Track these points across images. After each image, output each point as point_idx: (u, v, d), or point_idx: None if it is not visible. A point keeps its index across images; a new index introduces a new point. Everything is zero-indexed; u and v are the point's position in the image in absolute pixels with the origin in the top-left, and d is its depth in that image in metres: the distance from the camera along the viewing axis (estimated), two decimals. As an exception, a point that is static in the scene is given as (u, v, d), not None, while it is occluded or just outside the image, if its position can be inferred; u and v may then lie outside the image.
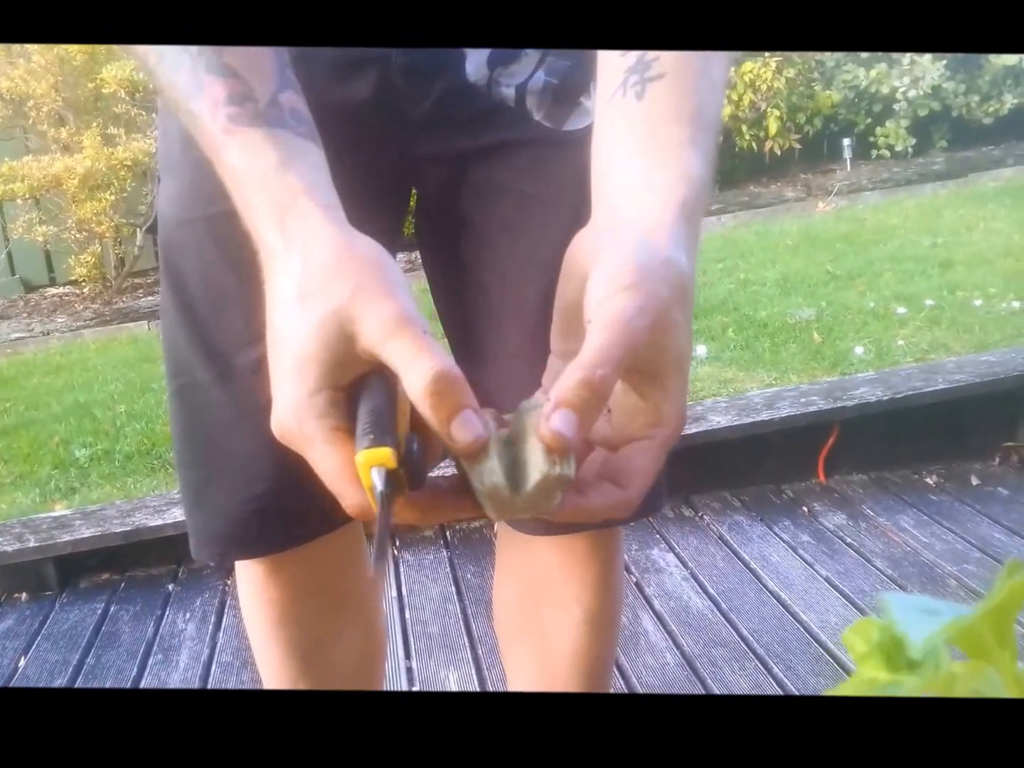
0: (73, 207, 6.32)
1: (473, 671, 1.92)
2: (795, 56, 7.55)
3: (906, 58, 7.58)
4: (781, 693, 1.76)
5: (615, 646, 1.15)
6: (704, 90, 0.63)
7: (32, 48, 6.25)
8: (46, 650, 2.12)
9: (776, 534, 2.40)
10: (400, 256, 0.82)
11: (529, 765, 0.33)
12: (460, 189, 0.88)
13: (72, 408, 3.92)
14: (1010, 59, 7.40)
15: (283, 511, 0.88)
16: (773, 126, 7.55)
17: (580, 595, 1.02)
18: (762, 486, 2.65)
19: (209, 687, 1.92)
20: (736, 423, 2.59)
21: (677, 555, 2.33)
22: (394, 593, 2.24)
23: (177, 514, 2.39)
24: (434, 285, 0.95)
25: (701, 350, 3.60)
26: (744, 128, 7.54)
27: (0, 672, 2.05)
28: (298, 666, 1.02)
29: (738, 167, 7.66)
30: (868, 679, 0.27)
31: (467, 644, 2.01)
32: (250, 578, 0.98)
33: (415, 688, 1.90)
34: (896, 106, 7.62)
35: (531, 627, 1.07)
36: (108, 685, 1.97)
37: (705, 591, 2.15)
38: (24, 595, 2.38)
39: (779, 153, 7.72)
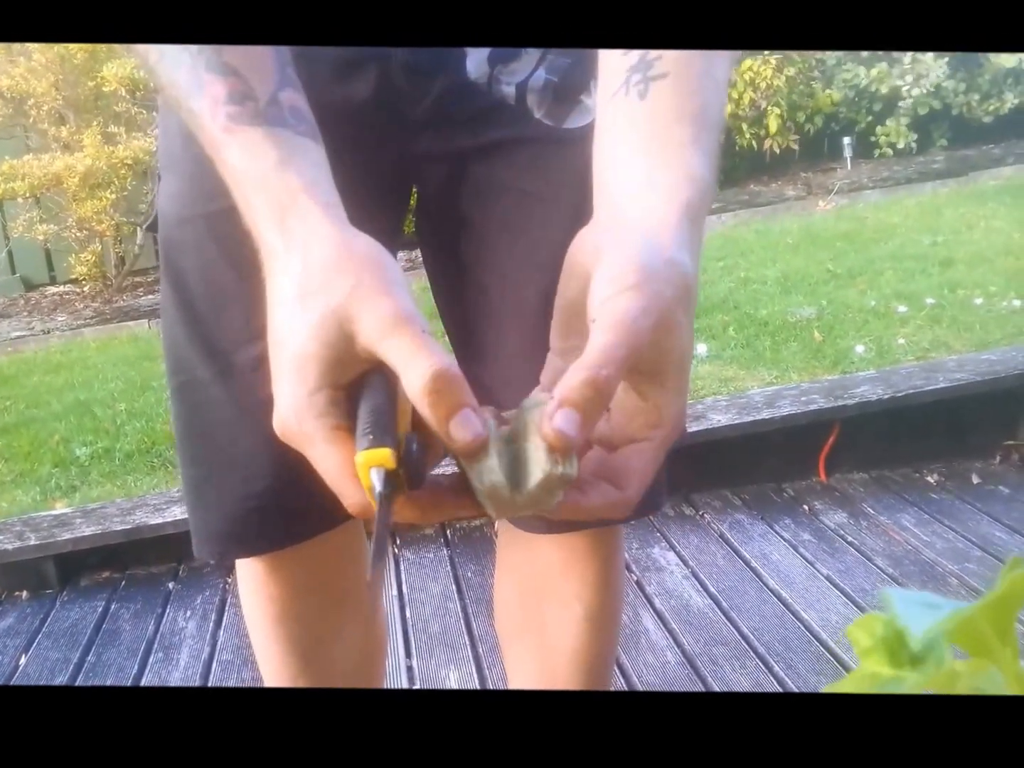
0: (73, 206, 6.32)
1: (474, 669, 1.92)
2: (795, 55, 7.54)
3: (907, 56, 7.58)
4: (782, 692, 1.76)
5: (616, 644, 1.15)
6: (707, 90, 0.63)
7: (32, 46, 6.25)
8: (47, 648, 2.12)
9: (777, 533, 2.40)
10: (400, 255, 0.82)
11: (530, 763, 0.33)
12: (460, 187, 0.88)
13: (72, 406, 3.92)
14: (1010, 58, 7.40)
15: (283, 509, 0.88)
16: (773, 124, 7.55)
17: (581, 593, 1.02)
18: (763, 484, 2.65)
19: (210, 685, 1.93)
20: (737, 422, 2.59)
21: (678, 553, 2.33)
22: (394, 591, 2.24)
23: (177, 512, 2.39)
24: (434, 284, 0.95)
25: (702, 348, 3.59)
26: (744, 126, 7.53)
27: (1, 670, 2.05)
28: (298, 663, 1.02)
29: (738, 165, 7.65)
30: (870, 674, 0.27)
31: (468, 643, 2.01)
32: (250, 575, 0.98)
33: (416, 687, 1.90)
34: (901, 103, 7.61)
35: (532, 625, 1.07)
36: (109, 683, 1.97)
37: (706, 589, 2.15)
38: (25, 593, 2.38)
39: (779, 152, 7.71)
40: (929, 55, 7.48)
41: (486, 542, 2.42)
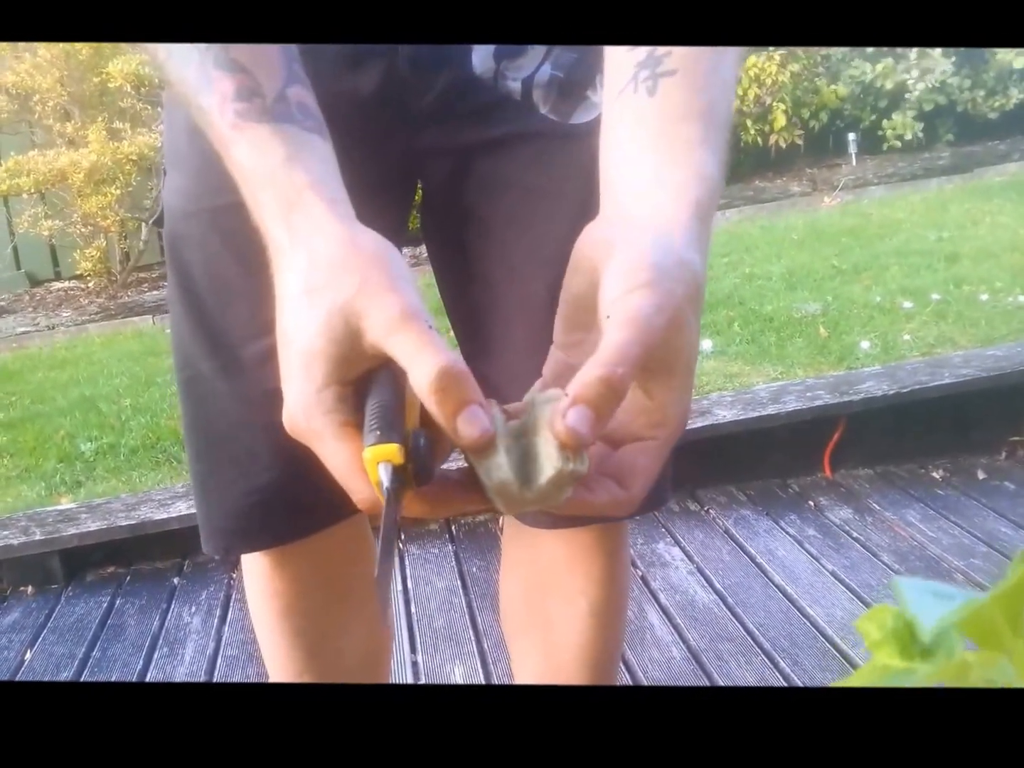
0: (79, 201, 6.32)
1: (479, 665, 1.92)
2: (799, 51, 7.53)
3: (914, 51, 7.56)
4: (788, 686, 1.76)
5: (621, 639, 1.15)
6: (715, 87, 0.63)
7: (38, 43, 6.25)
8: (52, 643, 2.13)
9: (782, 528, 2.39)
10: (404, 251, 0.82)
11: (535, 759, 0.33)
12: (465, 182, 0.88)
13: (77, 402, 3.93)
14: (1016, 54, 7.37)
15: (288, 503, 0.89)
16: (778, 120, 7.54)
17: (586, 588, 1.02)
18: (768, 480, 2.65)
19: (214, 681, 1.93)
20: (742, 417, 2.59)
21: (683, 549, 2.33)
22: (400, 587, 2.25)
23: (182, 508, 2.39)
24: (440, 279, 0.95)
25: (707, 344, 3.59)
26: (749, 122, 7.52)
27: (6, 665, 2.05)
28: (303, 658, 1.02)
29: (743, 161, 7.64)
30: (881, 666, 0.27)
31: (473, 638, 2.01)
32: (256, 570, 0.98)
33: (421, 682, 1.90)
34: (908, 95, 7.58)
35: (537, 620, 1.07)
36: (114, 678, 1.97)
37: (711, 585, 2.15)
38: (30, 588, 2.39)
39: (784, 147, 7.70)
40: (936, 50, 7.46)
41: (491, 537, 2.43)
